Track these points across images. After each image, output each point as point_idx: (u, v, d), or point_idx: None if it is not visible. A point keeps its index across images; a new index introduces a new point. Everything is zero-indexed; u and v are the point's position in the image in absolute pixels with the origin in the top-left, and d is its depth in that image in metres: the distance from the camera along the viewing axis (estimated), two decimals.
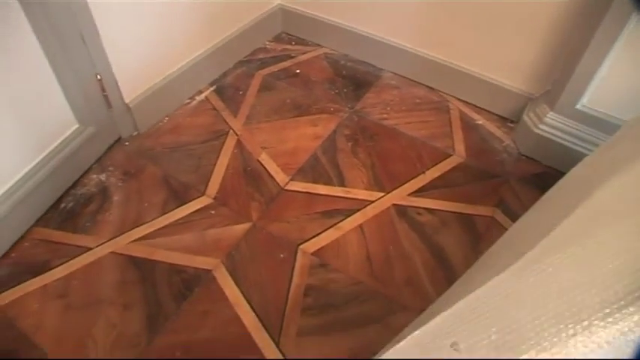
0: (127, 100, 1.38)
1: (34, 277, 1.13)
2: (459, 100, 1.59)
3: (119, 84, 1.33)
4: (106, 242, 1.19)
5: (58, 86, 1.20)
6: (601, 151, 0.98)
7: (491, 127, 1.51)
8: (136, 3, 1.26)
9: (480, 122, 1.52)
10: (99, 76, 1.28)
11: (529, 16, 1.32)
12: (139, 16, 1.30)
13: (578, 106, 1.27)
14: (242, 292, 1.10)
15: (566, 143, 1.32)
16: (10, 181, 1.17)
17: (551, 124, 1.34)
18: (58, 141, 1.26)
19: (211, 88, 1.62)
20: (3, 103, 1.07)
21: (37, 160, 1.21)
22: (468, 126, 1.51)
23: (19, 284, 1.11)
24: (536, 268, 0.59)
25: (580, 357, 0.46)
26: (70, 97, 1.24)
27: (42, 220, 1.24)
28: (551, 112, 1.33)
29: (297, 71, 1.70)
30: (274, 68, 1.71)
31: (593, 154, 0.99)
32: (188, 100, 1.57)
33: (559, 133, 1.33)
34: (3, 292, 1.10)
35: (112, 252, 1.17)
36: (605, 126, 1.26)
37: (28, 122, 1.16)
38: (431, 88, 1.63)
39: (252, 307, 1.07)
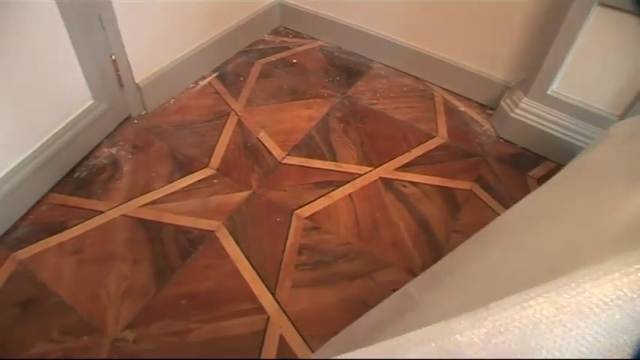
0: (137, 81, 1.49)
1: (51, 235, 1.23)
2: (443, 89, 1.73)
3: (131, 65, 1.45)
4: (116, 206, 1.30)
5: (78, 64, 1.32)
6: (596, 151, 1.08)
7: (472, 113, 1.64)
8: None
9: (461, 109, 1.65)
10: (113, 57, 1.39)
11: (506, 10, 1.46)
12: (152, 5, 1.42)
13: (549, 92, 1.40)
14: (242, 250, 1.21)
15: (538, 126, 1.45)
16: (30, 149, 1.27)
17: (525, 108, 1.47)
18: (75, 114, 1.37)
19: (214, 74, 1.74)
20: (29, 76, 1.19)
21: (55, 131, 1.32)
22: (451, 112, 1.64)
23: (37, 241, 1.22)
24: None
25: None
26: (87, 74, 1.35)
27: (57, 187, 1.35)
28: (525, 98, 1.46)
29: (294, 61, 1.83)
30: (273, 58, 1.84)
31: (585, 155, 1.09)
32: (192, 85, 1.69)
33: (532, 117, 1.46)
34: (23, 247, 1.20)
35: (122, 215, 1.28)
36: (573, 110, 1.39)
37: (49, 95, 1.27)
38: (417, 77, 1.77)
39: (250, 263, 1.19)
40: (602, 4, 1.19)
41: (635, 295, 0.54)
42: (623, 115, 1.32)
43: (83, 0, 1.23)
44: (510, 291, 0.59)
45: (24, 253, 1.19)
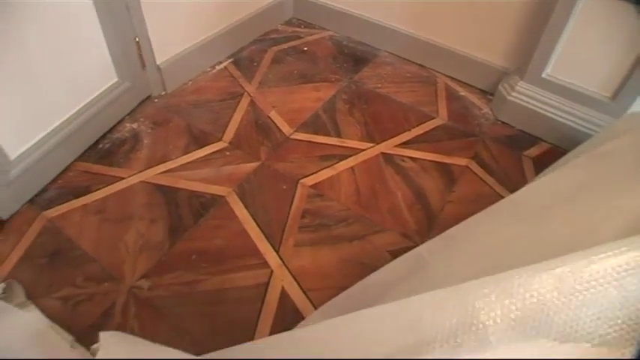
0: (158, 63, 1.61)
1: (77, 198, 1.35)
2: (445, 75, 1.81)
3: (153, 48, 1.57)
4: (136, 174, 1.42)
5: (105, 45, 1.44)
6: (596, 143, 1.16)
7: (473, 98, 1.72)
8: None
9: (462, 94, 1.74)
10: (137, 39, 1.51)
11: (504, 1, 1.54)
12: None
13: (543, 75, 1.48)
14: (250, 213, 1.31)
15: (534, 108, 1.53)
16: (59, 119, 1.39)
17: (521, 91, 1.54)
18: (100, 90, 1.49)
19: (229, 60, 1.86)
20: (62, 53, 1.31)
21: (82, 105, 1.44)
22: (452, 96, 1.72)
23: (64, 202, 1.34)
24: None
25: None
26: (113, 54, 1.47)
27: (83, 156, 1.47)
28: (521, 82, 1.54)
29: (305, 49, 1.94)
30: (285, 46, 1.95)
31: (588, 143, 1.19)
32: (209, 69, 1.81)
33: (528, 99, 1.54)
34: (52, 207, 1.32)
35: (141, 181, 1.40)
36: (566, 92, 1.46)
37: (79, 72, 1.39)
38: (421, 65, 1.86)
39: (257, 224, 1.29)
40: None
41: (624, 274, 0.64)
42: (614, 96, 1.39)
43: None
44: (522, 265, 0.68)
45: (52, 212, 1.31)
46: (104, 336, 0.80)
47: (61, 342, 0.98)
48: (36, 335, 0.98)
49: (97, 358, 0.76)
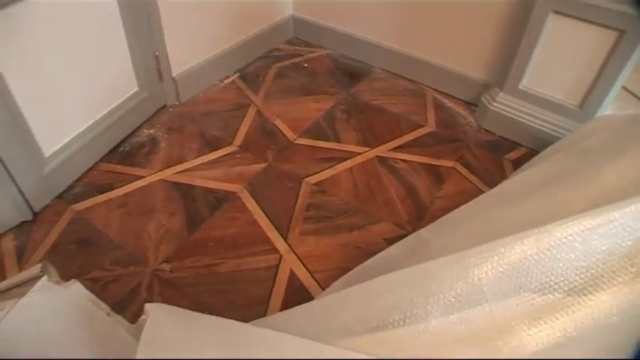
0: (173, 75, 1.78)
1: (101, 193, 1.49)
2: (433, 89, 2.00)
3: (170, 61, 1.74)
4: (155, 173, 1.56)
5: (129, 58, 1.60)
6: (573, 140, 1.37)
7: (458, 108, 1.90)
8: (192, 5, 1.70)
9: (449, 105, 1.92)
10: (156, 53, 1.68)
11: (482, 21, 1.73)
12: (190, 13, 1.73)
13: (520, 87, 1.66)
14: (260, 206, 1.46)
15: (513, 116, 1.71)
16: (85, 124, 1.54)
17: (501, 102, 1.73)
18: (123, 98, 1.64)
19: (236, 74, 2.04)
20: (93, 65, 1.47)
21: (107, 111, 1.59)
22: (439, 107, 1.90)
23: (90, 198, 1.48)
24: None
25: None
26: (135, 66, 1.63)
27: (106, 157, 1.61)
28: (501, 93, 1.72)
29: (305, 65, 2.12)
30: (287, 62, 2.14)
31: (563, 142, 1.39)
32: (218, 82, 1.98)
33: (507, 109, 1.72)
34: (79, 202, 1.46)
35: (160, 179, 1.54)
36: (540, 101, 1.64)
37: (106, 81, 1.55)
38: (411, 80, 2.04)
39: (267, 216, 1.43)
40: (556, 12, 1.46)
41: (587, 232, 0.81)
42: (581, 105, 1.57)
43: (138, 5, 1.52)
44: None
45: (79, 206, 1.45)
46: (149, 307, 0.91)
47: (98, 311, 1.11)
48: (76, 306, 1.10)
49: (146, 326, 0.86)
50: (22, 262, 1.29)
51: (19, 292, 1.07)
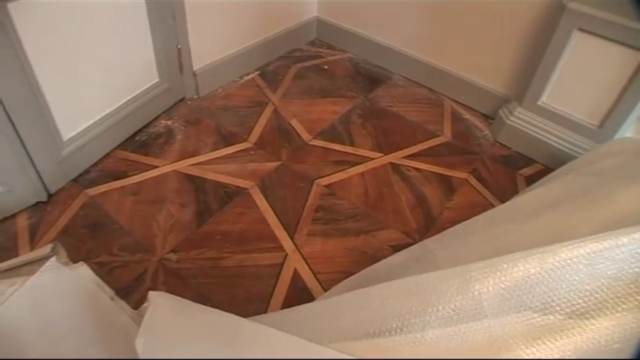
0: (194, 69, 1.80)
1: (115, 180, 1.52)
2: (452, 99, 1.99)
3: (192, 55, 1.76)
4: (169, 164, 1.58)
5: (152, 48, 1.62)
6: (587, 160, 1.36)
7: (475, 121, 1.89)
8: (218, 0, 1.72)
9: (466, 116, 1.91)
10: (179, 46, 1.70)
11: (505, 34, 1.72)
12: (216, 9, 1.75)
13: (539, 103, 1.65)
14: (269, 204, 1.47)
15: (529, 132, 1.69)
16: (104, 111, 1.56)
17: (519, 117, 1.71)
18: (143, 88, 1.67)
19: (257, 72, 2.05)
20: (116, 53, 1.50)
21: (127, 99, 1.62)
22: (457, 118, 1.89)
23: (104, 183, 1.50)
24: None
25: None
26: (157, 57, 1.66)
27: (122, 145, 1.64)
28: (519, 108, 1.71)
29: (325, 67, 2.13)
30: (307, 63, 2.15)
31: (577, 161, 1.38)
32: (238, 78, 2.00)
33: (525, 124, 1.70)
34: (93, 187, 1.49)
35: (173, 170, 1.56)
36: (559, 119, 1.63)
37: (127, 70, 1.58)
38: (431, 89, 2.04)
39: (275, 214, 1.44)
40: (581, 30, 1.44)
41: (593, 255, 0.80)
42: (600, 125, 1.55)
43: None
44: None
45: (93, 191, 1.48)
46: (153, 295, 0.93)
47: (102, 295, 1.13)
48: (82, 288, 1.13)
49: (147, 313, 0.88)
50: (34, 241, 1.32)
51: (29, 270, 1.10)
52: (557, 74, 1.56)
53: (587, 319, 0.82)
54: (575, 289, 0.82)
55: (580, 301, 0.82)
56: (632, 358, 0.76)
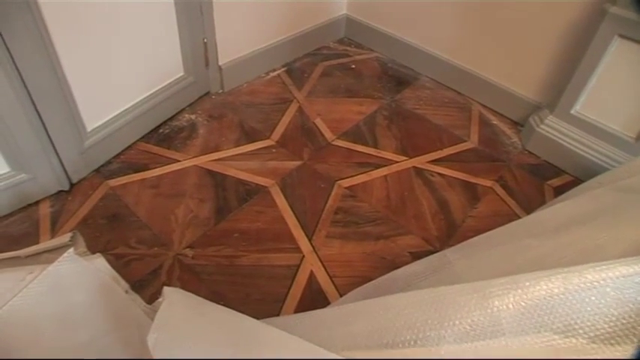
0: (220, 63, 1.79)
1: (136, 172, 1.52)
2: (481, 104, 1.93)
3: (218, 49, 1.75)
4: (190, 158, 1.58)
5: (178, 42, 1.62)
6: (618, 174, 1.28)
7: (504, 127, 1.83)
8: None
9: (494, 122, 1.85)
10: (205, 40, 1.70)
11: (539, 38, 1.66)
12: (242, 3, 1.73)
13: (572, 112, 1.59)
14: (289, 204, 1.45)
15: (560, 141, 1.63)
16: (128, 103, 1.56)
17: (550, 125, 1.65)
18: (168, 81, 1.67)
19: (283, 69, 2.04)
20: (142, 46, 1.50)
21: (151, 92, 1.62)
22: (484, 123, 1.84)
23: (125, 175, 1.51)
24: None
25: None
26: (184, 51, 1.65)
27: (145, 138, 1.64)
28: (550, 116, 1.65)
29: (353, 66, 2.10)
30: (334, 62, 2.12)
31: (607, 175, 1.30)
32: (264, 74, 1.98)
33: (556, 133, 1.64)
34: (114, 178, 1.49)
35: (194, 165, 1.56)
36: (592, 129, 1.56)
37: (153, 63, 1.58)
38: (458, 92, 1.99)
39: (294, 214, 1.42)
40: (622, 36, 1.38)
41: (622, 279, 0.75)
42: (638, 137, 1.48)
43: None
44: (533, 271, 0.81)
45: (114, 182, 1.48)
46: (167, 290, 0.92)
47: (117, 288, 1.13)
48: (97, 280, 1.13)
49: (160, 308, 0.87)
50: (55, 229, 1.34)
51: (48, 259, 1.11)
52: (593, 83, 1.50)
53: (612, 344, 0.78)
54: (601, 312, 0.78)
55: (605, 325, 0.78)
56: (632, 358, 0.72)
